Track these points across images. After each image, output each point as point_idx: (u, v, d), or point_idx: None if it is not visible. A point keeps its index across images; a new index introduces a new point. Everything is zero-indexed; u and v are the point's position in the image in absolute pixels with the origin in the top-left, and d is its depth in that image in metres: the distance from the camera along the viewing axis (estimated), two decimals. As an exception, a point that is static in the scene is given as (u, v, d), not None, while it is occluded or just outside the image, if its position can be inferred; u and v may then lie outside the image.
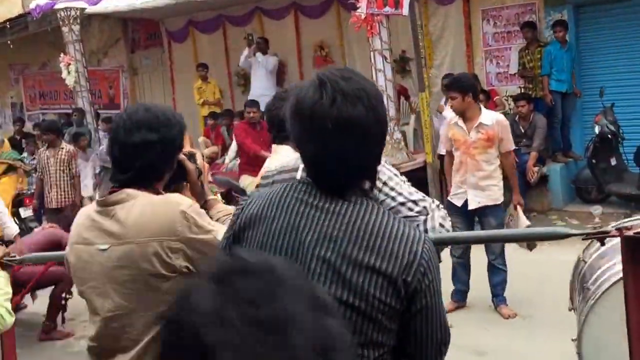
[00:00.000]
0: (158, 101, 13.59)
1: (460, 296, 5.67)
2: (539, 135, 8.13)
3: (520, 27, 8.93)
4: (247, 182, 7.87)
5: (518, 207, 5.56)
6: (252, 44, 10.41)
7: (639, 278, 1.97)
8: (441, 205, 2.13)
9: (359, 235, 1.51)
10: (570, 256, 5.67)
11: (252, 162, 7.88)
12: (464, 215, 5.42)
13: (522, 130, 8.26)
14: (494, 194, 5.36)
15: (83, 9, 11.22)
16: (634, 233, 1.92)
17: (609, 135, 7.87)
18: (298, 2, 11.02)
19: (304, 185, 1.60)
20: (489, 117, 5.31)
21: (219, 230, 2.00)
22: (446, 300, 5.38)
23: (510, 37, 9.27)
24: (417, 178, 8.46)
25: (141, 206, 2.03)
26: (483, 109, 5.43)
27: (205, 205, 2.33)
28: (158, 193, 2.13)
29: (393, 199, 2.04)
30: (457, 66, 9.70)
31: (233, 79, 12.14)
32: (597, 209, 8.22)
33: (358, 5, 7.67)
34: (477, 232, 2.80)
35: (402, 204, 2.03)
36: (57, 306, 6.07)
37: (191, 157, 2.34)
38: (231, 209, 2.31)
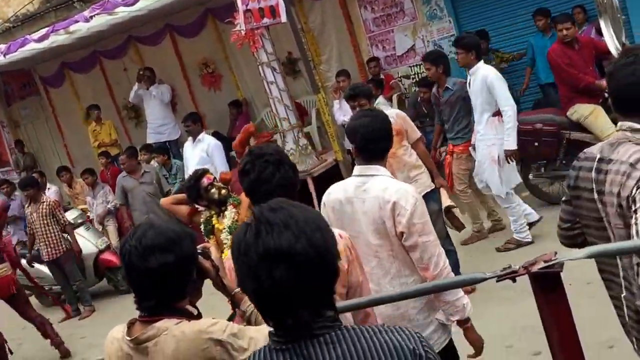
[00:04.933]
0: (49, 150, 13.00)
1: None
2: None
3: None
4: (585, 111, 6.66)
5: (441, 189, 5.69)
6: (142, 78, 10.07)
7: (552, 307, 2.12)
8: None
9: None
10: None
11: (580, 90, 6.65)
12: None
13: (426, 111, 8.38)
14: (427, 181, 5.46)
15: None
16: (539, 269, 2.04)
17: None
18: (171, 24, 10.70)
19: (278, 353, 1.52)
20: (390, 113, 5.33)
21: (259, 339, 1.96)
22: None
23: (390, 20, 9.36)
24: (332, 176, 8.47)
25: (175, 342, 1.98)
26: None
27: (234, 299, 2.30)
28: (187, 313, 2.10)
29: None
30: (344, 57, 9.75)
31: (122, 113, 11.71)
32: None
33: (236, 22, 7.50)
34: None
35: None
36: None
37: (204, 254, 2.26)
38: None
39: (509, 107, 5.99)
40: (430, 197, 5.40)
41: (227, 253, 4.28)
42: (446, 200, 5.63)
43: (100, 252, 8.78)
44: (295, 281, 1.44)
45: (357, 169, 3.16)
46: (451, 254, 5.45)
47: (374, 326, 1.55)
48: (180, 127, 10.19)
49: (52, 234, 8.06)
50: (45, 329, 7.07)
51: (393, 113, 5.39)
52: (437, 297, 3.03)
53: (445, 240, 5.49)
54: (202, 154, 8.21)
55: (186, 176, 8.64)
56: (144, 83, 10.10)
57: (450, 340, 3.21)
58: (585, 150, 2.37)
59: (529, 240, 6.29)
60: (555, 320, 2.17)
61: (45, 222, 8.02)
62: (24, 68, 11.90)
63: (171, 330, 2.00)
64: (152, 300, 2.04)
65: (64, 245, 8.14)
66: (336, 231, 2.68)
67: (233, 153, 9.57)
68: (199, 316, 2.16)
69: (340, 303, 2.48)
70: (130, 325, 2.11)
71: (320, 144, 9.37)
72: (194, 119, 8.37)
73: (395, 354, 1.47)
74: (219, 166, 8.13)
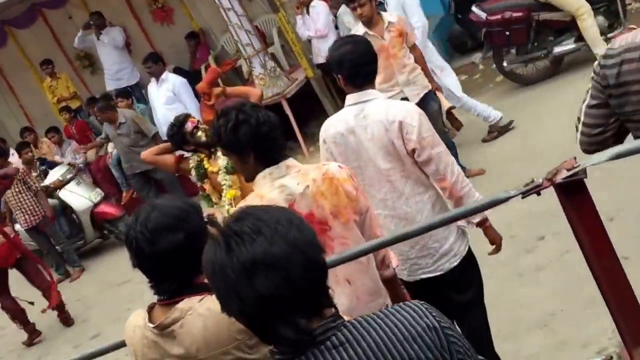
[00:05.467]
0: (4, 114, 12.51)
1: None
2: None
3: None
4: None
5: (437, 92, 5.69)
6: (89, 27, 9.60)
7: (580, 214, 2.13)
8: None
9: None
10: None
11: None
12: None
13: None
14: (424, 82, 5.46)
15: None
16: (562, 179, 2.03)
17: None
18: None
19: None
20: (391, 15, 5.43)
21: None
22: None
23: None
24: (304, 95, 8.31)
25: (202, 320, 1.92)
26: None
27: None
28: (206, 287, 1.93)
29: None
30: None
31: (75, 64, 11.24)
32: (476, 57, 8.43)
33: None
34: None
35: None
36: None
37: (211, 222, 2.18)
38: None
39: (420, 23, 6.19)
40: (430, 98, 5.47)
41: (231, 193, 4.22)
42: (445, 102, 5.69)
43: (95, 205, 8.38)
44: (283, 287, 1.29)
45: (351, 98, 3.09)
46: (452, 146, 5.55)
47: (379, 312, 1.43)
48: (138, 70, 9.86)
49: (27, 201, 7.80)
50: (52, 298, 6.86)
51: (394, 15, 5.40)
52: (457, 204, 3.06)
53: (444, 135, 5.54)
54: (168, 93, 7.98)
55: (154, 119, 8.45)
56: (94, 30, 9.64)
57: (469, 246, 3.25)
58: (612, 45, 2.22)
59: (499, 114, 6.43)
60: (585, 226, 2.16)
61: (17, 189, 7.73)
62: (-40, 32, 11.27)
63: (195, 309, 1.93)
64: (169, 283, 1.96)
65: (40, 211, 7.89)
66: (335, 164, 2.67)
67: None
68: None
69: (368, 243, 2.50)
70: (150, 310, 2.03)
71: (287, 63, 9.12)
72: (155, 59, 8.07)
73: (410, 336, 1.37)
74: (189, 104, 7.93)
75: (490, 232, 3.19)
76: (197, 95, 8.50)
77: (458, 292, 3.23)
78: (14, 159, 9.13)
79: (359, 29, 5.27)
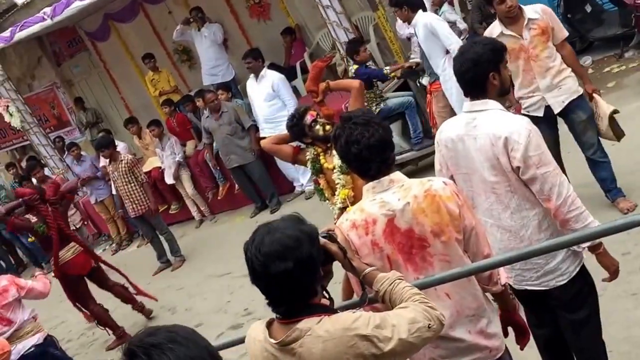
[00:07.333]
0: (107, 105, 13.00)
1: None
2: None
3: None
4: None
5: (594, 94, 5.05)
6: (188, 22, 9.78)
7: None
8: None
9: None
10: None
11: None
12: (548, 123, 4.84)
13: (493, 11, 7.86)
14: (573, 86, 4.85)
15: (-4, 47, 10.40)
16: None
17: (576, -15, 7.55)
18: (212, -44, 10.28)
19: None
20: (533, 9, 4.74)
21: (401, 324, 2.01)
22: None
23: None
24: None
25: (321, 342, 1.99)
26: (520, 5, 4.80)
27: (364, 279, 2.29)
28: (323, 308, 2.10)
29: None
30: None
31: (174, 58, 11.51)
32: (586, 60, 8.04)
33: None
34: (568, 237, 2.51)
35: None
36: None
37: (330, 237, 2.25)
38: (394, 274, 2.24)
39: (453, 44, 6.07)
40: (578, 106, 4.87)
41: (344, 193, 4.23)
42: (605, 106, 4.96)
43: None
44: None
45: (467, 105, 3.01)
46: (605, 165, 5.04)
47: None
48: (233, 67, 9.99)
49: (135, 191, 8.11)
50: (124, 295, 7.11)
51: (538, 8, 4.74)
52: (563, 226, 2.89)
53: (596, 149, 5.00)
54: (268, 90, 7.99)
55: (253, 114, 8.54)
56: (196, 24, 9.81)
57: (582, 267, 3.07)
58: None
59: None
60: None
61: (126, 179, 8.06)
62: (67, 25, 11.72)
63: (314, 331, 2.00)
64: (284, 305, 2.06)
65: (147, 201, 8.17)
66: (440, 179, 2.60)
67: (294, 83, 9.35)
68: (330, 301, 2.17)
69: (475, 264, 2.46)
70: (269, 325, 2.13)
71: (383, 62, 9.00)
72: (255, 56, 8.09)
73: None
74: (287, 100, 7.93)
75: (604, 259, 2.96)
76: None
77: (568, 311, 3.11)
78: (120, 148, 9.31)
79: (495, 28, 4.76)
